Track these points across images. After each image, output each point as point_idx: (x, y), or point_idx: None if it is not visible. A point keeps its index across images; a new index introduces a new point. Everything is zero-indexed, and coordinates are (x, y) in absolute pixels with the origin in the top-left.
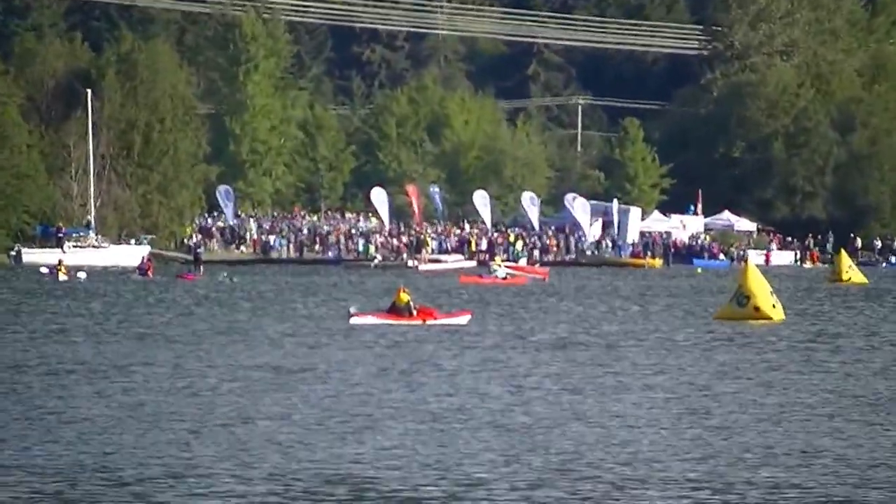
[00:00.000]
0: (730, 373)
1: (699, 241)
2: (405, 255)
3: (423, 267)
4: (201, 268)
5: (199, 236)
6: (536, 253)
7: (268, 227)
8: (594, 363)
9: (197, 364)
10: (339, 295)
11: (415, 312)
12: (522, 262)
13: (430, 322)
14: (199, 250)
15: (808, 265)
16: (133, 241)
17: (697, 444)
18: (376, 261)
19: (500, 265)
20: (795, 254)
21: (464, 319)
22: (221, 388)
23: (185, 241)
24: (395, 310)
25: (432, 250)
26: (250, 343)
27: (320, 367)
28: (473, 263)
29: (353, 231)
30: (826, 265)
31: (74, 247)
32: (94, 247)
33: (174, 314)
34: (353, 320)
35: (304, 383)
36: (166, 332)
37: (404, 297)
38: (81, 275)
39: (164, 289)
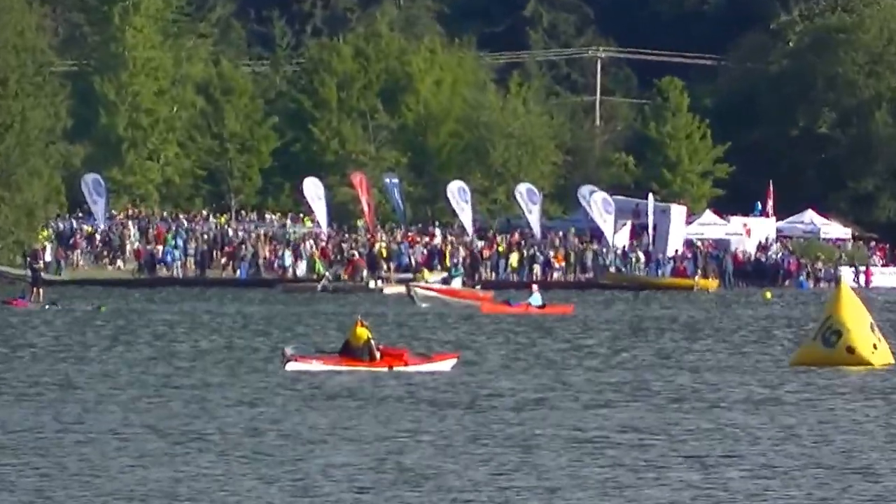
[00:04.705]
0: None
1: (770, 254)
2: (365, 274)
3: (388, 289)
4: (40, 291)
5: (48, 246)
6: (537, 269)
7: (155, 234)
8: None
9: None
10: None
11: (377, 354)
12: (457, 282)
13: (398, 368)
14: (35, 265)
15: None
16: None
17: None
18: (324, 281)
19: (428, 281)
20: None
21: (447, 364)
22: None
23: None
24: (350, 351)
25: (388, 267)
26: None
27: None
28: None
29: (276, 238)
30: None
31: None
32: None
33: None
34: (290, 366)
35: None
36: None
37: (363, 332)
38: None
39: None
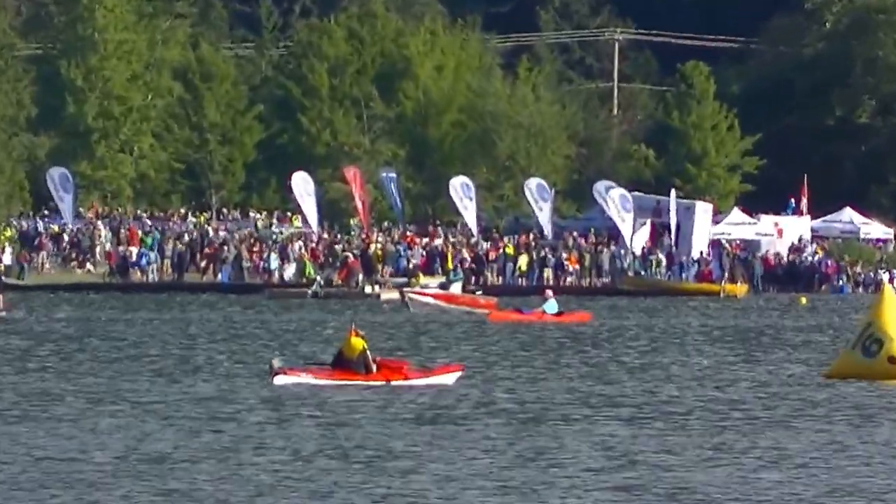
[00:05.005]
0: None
1: (805, 256)
2: (360, 278)
3: (386, 295)
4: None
5: (9, 248)
6: (548, 273)
7: (127, 234)
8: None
9: None
10: None
11: (374, 367)
12: (456, 287)
13: (397, 382)
14: None
15: None
16: None
17: None
18: (315, 286)
19: (424, 285)
20: None
21: (451, 378)
22: None
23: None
24: (343, 363)
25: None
26: None
27: None
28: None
29: (261, 239)
30: None
31: None
32: None
33: None
34: (278, 380)
35: None
36: None
37: (357, 343)
38: None
39: None
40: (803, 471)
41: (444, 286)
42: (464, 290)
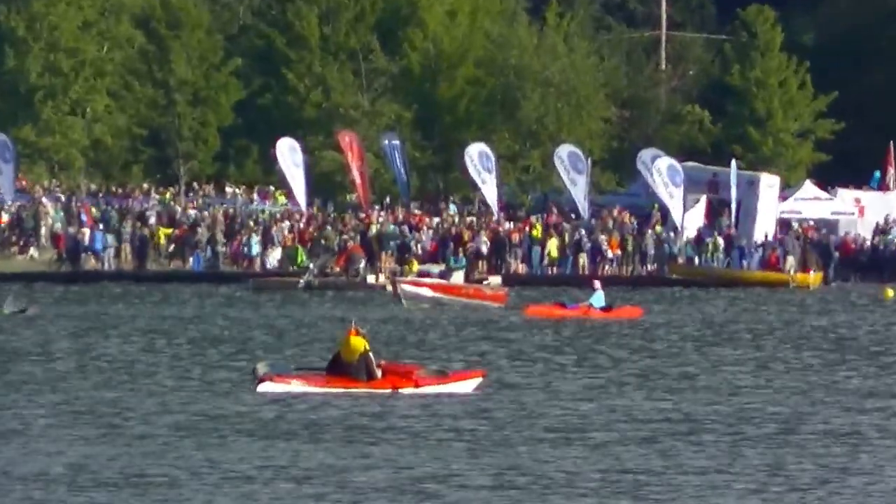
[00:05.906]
0: None
1: (891, 238)
2: (362, 266)
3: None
4: None
5: None
6: (583, 259)
7: (79, 212)
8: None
9: None
10: None
11: (377, 373)
12: (458, 277)
13: (406, 390)
14: None
15: None
16: None
17: None
18: (308, 275)
19: (420, 272)
20: None
21: (470, 385)
22: None
23: None
24: (341, 367)
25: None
26: None
27: None
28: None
29: (240, 219)
30: None
31: None
32: None
33: None
34: (263, 387)
35: None
36: None
37: (358, 343)
38: None
39: None
40: None
41: (444, 275)
42: (467, 279)
